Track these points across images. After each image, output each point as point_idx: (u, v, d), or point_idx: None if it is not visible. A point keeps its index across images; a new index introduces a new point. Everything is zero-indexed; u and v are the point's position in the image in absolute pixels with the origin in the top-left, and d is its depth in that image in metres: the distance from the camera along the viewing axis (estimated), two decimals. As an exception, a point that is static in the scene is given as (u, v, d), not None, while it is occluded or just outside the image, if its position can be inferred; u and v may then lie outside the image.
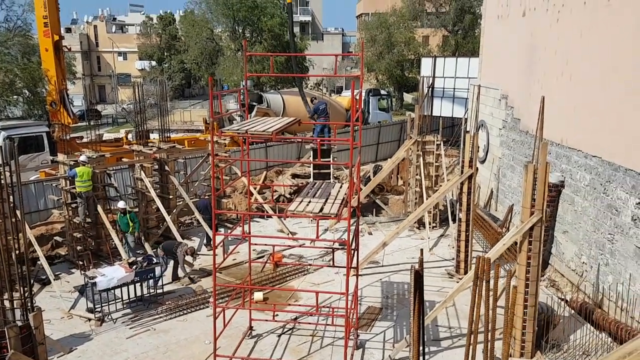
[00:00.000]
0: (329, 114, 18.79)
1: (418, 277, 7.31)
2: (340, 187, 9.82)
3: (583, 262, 12.59)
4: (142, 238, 14.84)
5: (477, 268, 7.34)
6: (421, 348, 7.61)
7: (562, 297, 12.52)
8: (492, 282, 7.32)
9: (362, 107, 31.06)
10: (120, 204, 14.27)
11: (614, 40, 11.48)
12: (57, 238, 14.96)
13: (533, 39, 15.71)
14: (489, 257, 7.36)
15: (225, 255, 10.88)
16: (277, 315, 11.35)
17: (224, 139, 17.52)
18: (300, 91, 24.33)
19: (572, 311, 11.58)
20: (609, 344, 10.21)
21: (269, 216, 17.04)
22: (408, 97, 54.95)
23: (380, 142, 26.78)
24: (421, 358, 7.70)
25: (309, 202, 8.77)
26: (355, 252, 10.41)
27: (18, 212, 12.50)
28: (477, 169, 13.94)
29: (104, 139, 25.36)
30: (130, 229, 14.21)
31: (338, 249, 14.78)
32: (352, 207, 11.03)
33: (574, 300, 11.98)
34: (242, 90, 14.63)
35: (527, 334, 9.83)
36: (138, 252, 14.18)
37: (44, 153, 19.73)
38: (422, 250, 8.14)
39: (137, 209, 15.61)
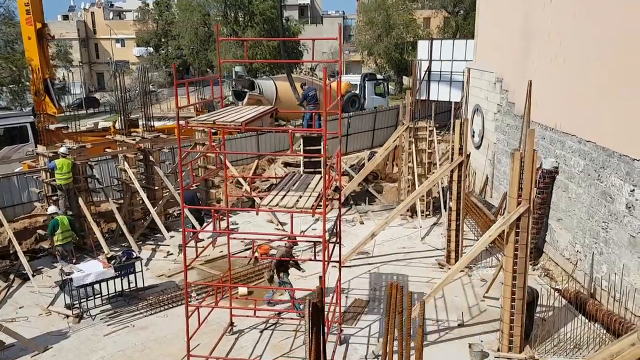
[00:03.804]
0: (320, 101, 18.32)
1: (316, 310, 5.97)
2: (320, 178, 9.43)
3: (577, 251, 12.21)
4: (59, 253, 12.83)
5: (389, 298, 6.63)
6: None
7: (555, 287, 12.17)
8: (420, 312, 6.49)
9: (358, 92, 30.50)
10: (51, 209, 12.86)
11: (607, 22, 11.00)
12: (40, 231, 14.64)
13: (527, 19, 15.18)
14: (401, 286, 6.60)
15: (204, 247, 10.52)
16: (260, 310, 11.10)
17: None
18: (288, 77, 23.71)
19: (565, 302, 11.25)
20: (602, 337, 9.89)
21: (246, 211, 16.59)
22: (408, 81, 54.15)
23: (376, 129, 26.23)
24: None
25: (285, 195, 8.40)
26: (338, 246, 10.08)
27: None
28: (467, 155, 13.53)
29: (89, 128, 25.01)
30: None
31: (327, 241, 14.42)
32: (335, 198, 10.68)
33: (567, 290, 11.63)
34: (225, 77, 14.12)
35: (515, 327, 9.49)
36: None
37: (28, 144, 19.37)
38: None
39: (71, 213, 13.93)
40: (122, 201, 15.46)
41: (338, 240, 10.01)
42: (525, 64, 15.18)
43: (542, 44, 14.11)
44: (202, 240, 14.62)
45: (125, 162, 14.83)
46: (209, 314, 9.65)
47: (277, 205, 7.95)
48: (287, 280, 11.12)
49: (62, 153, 13.47)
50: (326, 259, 8.28)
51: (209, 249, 14.36)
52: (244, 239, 13.56)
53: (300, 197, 8.30)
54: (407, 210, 16.91)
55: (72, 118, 18.24)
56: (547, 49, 13.72)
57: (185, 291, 8.76)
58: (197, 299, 11.32)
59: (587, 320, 10.25)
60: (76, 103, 54.58)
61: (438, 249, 14.39)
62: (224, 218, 16.60)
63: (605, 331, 10.01)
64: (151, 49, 60.55)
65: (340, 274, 10.30)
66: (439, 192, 17.63)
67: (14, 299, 11.93)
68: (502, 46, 17.61)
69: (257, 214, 15.82)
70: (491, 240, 9.44)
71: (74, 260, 12.45)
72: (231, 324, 10.51)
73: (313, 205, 7.87)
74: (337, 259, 10.24)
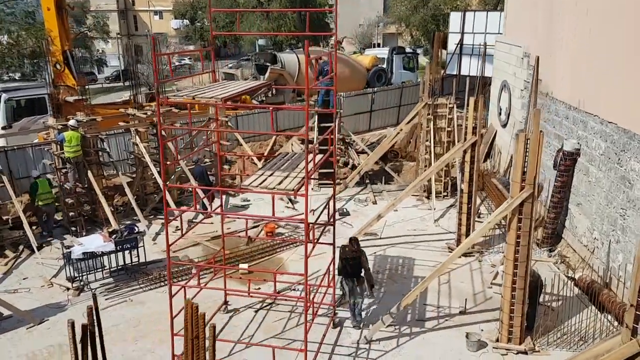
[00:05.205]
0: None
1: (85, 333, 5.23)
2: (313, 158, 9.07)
3: (595, 238, 11.54)
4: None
5: (186, 317, 5.95)
6: None
7: (570, 276, 11.56)
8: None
9: (385, 66, 29.69)
10: (34, 173, 13.80)
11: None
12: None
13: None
14: (196, 305, 5.88)
15: (191, 227, 10.36)
16: (259, 288, 10.97)
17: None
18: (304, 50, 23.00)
19: (578, 291, 10.68)
20: (610, 329, 9.33)
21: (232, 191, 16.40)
22: (445, 54, 52.50)
23: (402, 105, 25.46)
24: None
25: (270, 175, 8.10)
26: (332, 228, 9.81)
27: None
28: (482, 135, 12.90)
29: (124, 100, 25.15)
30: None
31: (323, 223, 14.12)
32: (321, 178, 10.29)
33: (581, 279, 11.03)
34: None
35: (515, 318, 9.02)
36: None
37: (47, 115, 19.59)
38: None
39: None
40: (135, 175, 15.49)
41: (332, 222, 9.70)
42: (551, 37, 14.28)
43: (568, 15, 13.21)
44: (212, 216, 14.53)
45: (137, 136, 14.81)
46: (196, 294, 9.52)
47: (258, 185, 7.66)
48: (357, 292, 9.59)
49: (71, 126, 13.50)
50: (306, 243, 7.94)
51: (216, 226, 14.28)
52: (238, 218, 13.38)
53: (286, 177, 7.97)
54: (424, 191, 16.42)
55: (117, 89, 18.21)
56: (573, 20, 12.83)
57: (168, 271, 8.65)
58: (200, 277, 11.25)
59: (598, 312, 9.69)
60: (114, 75, 55.44)
61: (451, 232, 13.86)
62: (236, 195, 16.53)
63: (617, 323, 9.45)
64: (187, 22, 60.63)
65: (334, 255, 10.01)
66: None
67: (19, 270, 12.14)
68: (529, 18, 16.65)
69: (237, 194, 15.73)
70: (491, 226, 8.94)
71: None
72: (225, 302, 10.41)
73: (296, 187, 7.54)
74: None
